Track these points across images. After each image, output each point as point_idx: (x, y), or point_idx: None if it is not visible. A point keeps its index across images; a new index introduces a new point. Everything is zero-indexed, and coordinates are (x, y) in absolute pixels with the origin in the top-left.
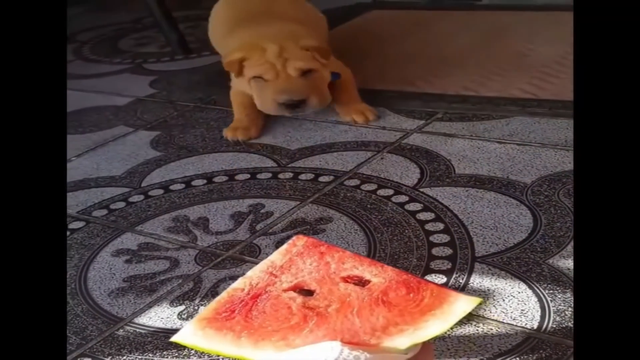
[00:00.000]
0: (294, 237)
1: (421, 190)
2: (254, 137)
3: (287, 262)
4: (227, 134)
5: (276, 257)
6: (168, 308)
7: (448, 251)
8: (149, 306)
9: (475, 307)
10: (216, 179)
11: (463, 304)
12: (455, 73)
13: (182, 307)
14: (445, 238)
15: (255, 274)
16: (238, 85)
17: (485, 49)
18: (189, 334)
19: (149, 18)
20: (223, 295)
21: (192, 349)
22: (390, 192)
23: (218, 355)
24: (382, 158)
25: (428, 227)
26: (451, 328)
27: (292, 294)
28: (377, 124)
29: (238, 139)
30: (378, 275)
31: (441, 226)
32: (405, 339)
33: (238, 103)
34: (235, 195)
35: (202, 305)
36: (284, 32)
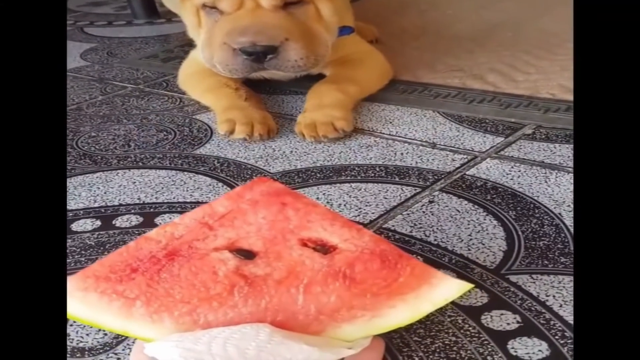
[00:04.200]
0: (255, 178)
1: (509, 277)
2: (275, 132)
3: (232, 212)
4: (236, 129)
5: (220, 202)
6: None
7: None
8: None
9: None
10: (119, 221)
11: (446, 289)
12: (546, 65)
13: None
14: None
15: (184, 221)
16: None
17: None
18: None
19: None
20: (130, 245)
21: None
22: None
23: (94, 327)
24: (430, 201)
25: None
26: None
27: (226, 254)
28: (422, 135)
29: (258, 136)
30: (349, 241)
31: None
32: (356, 329)
33: (215, 86)
34: None
35: None
36: None
